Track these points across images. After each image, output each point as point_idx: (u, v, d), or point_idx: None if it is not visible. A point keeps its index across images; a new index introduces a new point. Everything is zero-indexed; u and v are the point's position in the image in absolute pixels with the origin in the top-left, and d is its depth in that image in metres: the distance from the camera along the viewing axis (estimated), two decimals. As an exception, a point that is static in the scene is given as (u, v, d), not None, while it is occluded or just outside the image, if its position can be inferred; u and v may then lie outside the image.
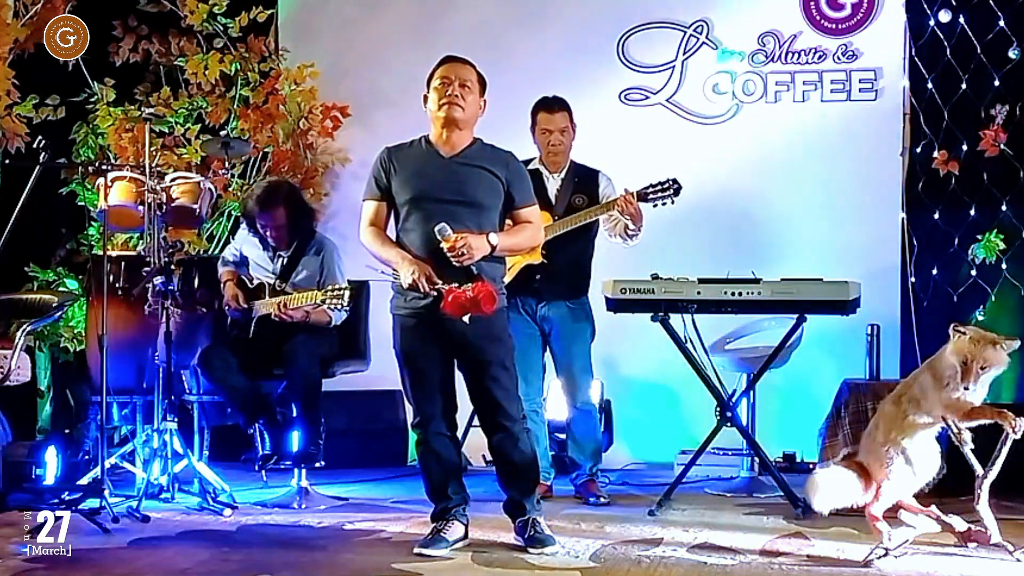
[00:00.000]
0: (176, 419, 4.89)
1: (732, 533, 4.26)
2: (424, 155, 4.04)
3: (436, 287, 3.84)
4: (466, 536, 4.05)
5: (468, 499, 4.13)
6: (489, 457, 4.71)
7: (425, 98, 4.07)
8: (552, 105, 5.06)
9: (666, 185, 4.89)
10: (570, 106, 5.08)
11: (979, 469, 3.79)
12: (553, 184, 5.07)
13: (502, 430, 4.03)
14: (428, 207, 3.93)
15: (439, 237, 3.83)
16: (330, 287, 4.84)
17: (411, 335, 4.01)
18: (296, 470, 4.98)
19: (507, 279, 4.33)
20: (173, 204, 5.15)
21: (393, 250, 3.98)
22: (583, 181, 5.07)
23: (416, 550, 3.91)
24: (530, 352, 4.92)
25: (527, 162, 4.65)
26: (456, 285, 3.81)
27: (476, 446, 5.37)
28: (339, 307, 4.85)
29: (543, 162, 5.09)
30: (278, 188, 5.29)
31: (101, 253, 5.01)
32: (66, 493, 4.52)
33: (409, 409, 6.13)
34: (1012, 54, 5.83)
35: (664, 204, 4.93)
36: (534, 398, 4.94)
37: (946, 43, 5.93)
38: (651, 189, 4.90)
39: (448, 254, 3.83)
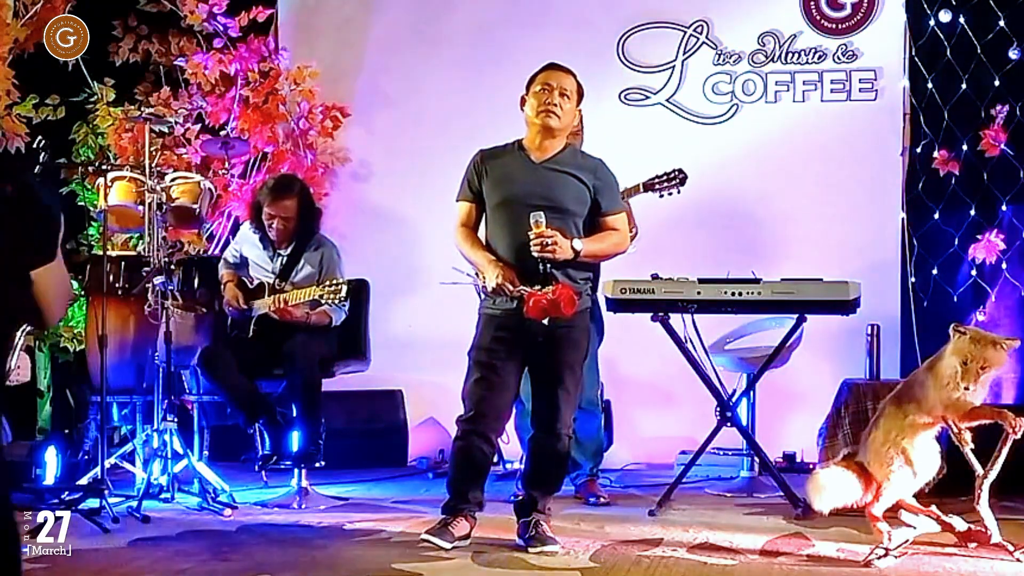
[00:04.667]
0: (176, 419, 4.89)
1: (732, 533, 4.25)
2: (515, 159, 4.11)
3: (519, 291, 3.90)
4: (468, 536, 4.05)
5: (483, 505, 4.15)
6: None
7: (523, 101, 4.13)
8: None
9: (672, 175, 4.96)
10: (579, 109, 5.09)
11: (979, 469, 3.79)
12: None
13: (550, 430, 4.07)
14: (515, 211, 4.00)
15: (531, 221, 3.89)
16: (327, 282, 4.84)
17: (493, 334, 4.05)
18: (296, 470, 4.97)
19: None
20: (173, 204, 5.15)
21: (481, 253, 4.05)
22: None
23: (423, 536, 3.94)
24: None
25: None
26: (538, 289, 3.88)
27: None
28: (337, 302, 4.85)
29: None
30: (292, 180, 5.35)
31: (101, 253, 5.01)
32: (66, 493, 4.52)
33: (409, 409, 6.24)
34: (1012, 54, 5.83)
35: (671, 194, 4.99)
36: (592, 387, 4.99)
37: (946, 43, 5.93)
38: (657, 180, 4.95)
39: (532, 241, 3.90)
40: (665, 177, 4.95)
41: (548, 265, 3.92)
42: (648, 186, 4.93)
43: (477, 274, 4.12)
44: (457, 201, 4.19)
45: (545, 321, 3.90)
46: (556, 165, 4.08)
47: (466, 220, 4.15)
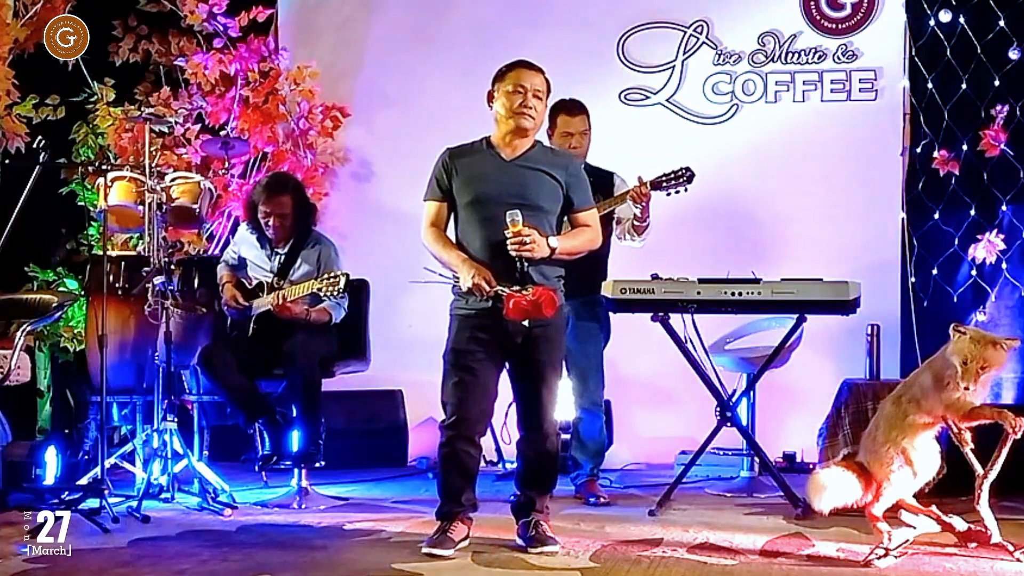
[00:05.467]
0: (176, 419, 4.89)
1: (732, 533, 4.26)
2: (485, 158, 4.07)
3: (495, 291, 3.86)
4: (467, 537, 4.05)
5: (477, 506, 4.14)
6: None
7: (490, 96, 4.09)
8: (573, 108, 5.06)
9: (679, 173, 4.93)
10: (587, 109, 5.09)
11: (979, 469, 3.79)
12: None
13: (537, 429, 4.05)
14: (489, 210, 3.96)
15: (508, 221, 3.85)
16: (326, 274, 4.83)
17: (468, 336, 4.00)
18: (296, 470, 4.97)
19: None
20: (173, 204, 5.16)
21: (454, 253, 4.00)
22: (599, 181, 5.04)
23: (424, 550, 3.92)
24: (590, 347, 4.99)
25: None
26: (517, 289, 3.85)
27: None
28: (336, 295, 4.83)
29: None
30: (286, 177, 5.40)
31: (101, 253, 5.01)
32: (66, 493, 4.52)
33: (409, 409, 6.24)
34: (1012, 54, 5.83)
35: (678, 192, 4.96)
36: (597, 389, 4.99)
37: (946, 43, 5.93)
38: (665, 177, 4.92)
39: (509, 240, 3.86)
40: (673, 175, 4.92)
41: (525, 264, 3.89)
42: (655, 184, 4.91)
43: (453, 275, 4.05)
44: (425, 200, 4.12)
45: (525, 322, 3.87)
46: (528, 163, 4.04)
47: (435, 220, 4.08)
